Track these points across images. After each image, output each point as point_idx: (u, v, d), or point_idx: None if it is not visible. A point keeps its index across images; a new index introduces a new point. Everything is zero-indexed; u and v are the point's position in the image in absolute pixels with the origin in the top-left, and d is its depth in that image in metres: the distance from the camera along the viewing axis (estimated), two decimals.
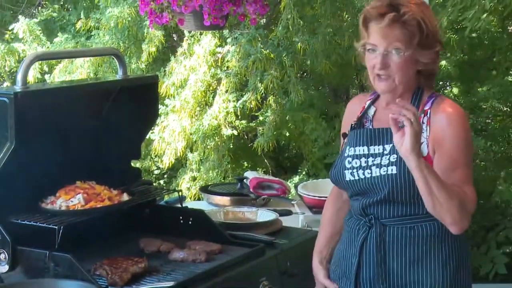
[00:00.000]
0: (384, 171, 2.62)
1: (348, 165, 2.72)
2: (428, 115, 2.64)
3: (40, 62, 7.80)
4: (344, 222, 2.88)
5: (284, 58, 7.25)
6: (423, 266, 2.65)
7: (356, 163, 2.70)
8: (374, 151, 2.68)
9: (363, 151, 2.71)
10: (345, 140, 2.81)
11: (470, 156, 2.64)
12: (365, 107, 2.84)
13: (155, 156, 7.95)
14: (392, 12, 2.57)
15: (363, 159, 2.69)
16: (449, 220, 2.53)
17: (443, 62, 8.39)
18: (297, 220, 3.83)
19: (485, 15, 5.76)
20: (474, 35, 7.28)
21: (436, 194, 2.46)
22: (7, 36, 9.17)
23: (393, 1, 2.61)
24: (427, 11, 2.65)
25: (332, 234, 2.97)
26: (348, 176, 2.71)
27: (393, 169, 2.60)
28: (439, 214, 2.52)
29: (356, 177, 2.69)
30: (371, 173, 2.66)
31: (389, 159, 2.63)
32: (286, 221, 3.67)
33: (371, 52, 2.63)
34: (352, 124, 2.81)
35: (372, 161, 2.67)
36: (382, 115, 2.74)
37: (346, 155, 2.75)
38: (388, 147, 2.65)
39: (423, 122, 2.61)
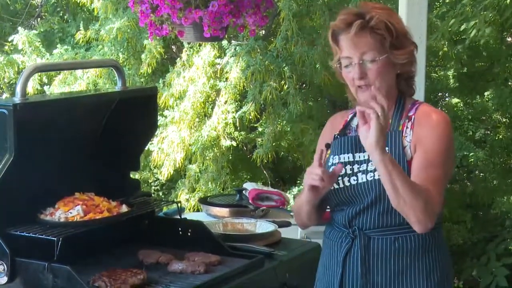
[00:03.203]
0: (371, 177, 2.64)
1: None
2: (412, 121, 2.68)
3: (39, 73, 7.80)
4: (324, 236, 2.88)
5: (284, 69, 7.26)
6: (407, 278, 2.66)
7: (341, 171, 2.68)
8: (359, 158, 2.70)
9: (348, 158, 2.72)
10: (328, 150, 2.78)
11: (446, 161, 2.63)
12: (348, 120, 2.86)
13: (154, 167, 7.95)
14: (359, 20, 2.61)
15: (348, 167, 2.70)
16: (413, 218, 2.53)
17: (442, 73, 8.41)
18: (296, 231, 3.83)
19: (485, 25, 5.78)
20: (474, 44, 7.30)
21: (400, 191, 2.47)
22: (6, 47, 9.19)
23: (358, 11, 2.66)
24: (392, 13, 2.70)
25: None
26: (333, 185, 2.70)
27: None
28: (403, 211, 2.53)
29: (341, 185, 2.69)
30: (357, 179, 2.67)
31: None
32: (285, 233, 3.67)
33: (347, 67, 2.67)
34: (335, 135, 2.82)
35: (358, 168, 2.68)
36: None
37: (330, 164, 2.76)
38: None
39: (407, 127, 2.66)
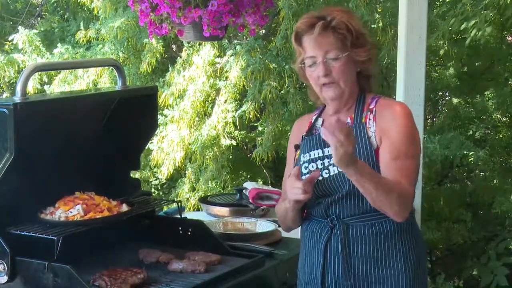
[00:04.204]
0: None
1: (305, 171, 2.81)
2: (374, 113, 2.80)
3: (39, 72, 7.81)
4: (302, 230, 2.95)
5: (284, 68, 7.26)
6: (386, 263, 2.75)
7: (313, 167, 2.80)
8: (329, 152, 2.77)
9: (318, 154, 2.82)
10: (298, 151, 2.91)
11: (413, 150, 2.76)
12: (312, 121, 2.96)
13: (154, 167, 7.95)
14: (321, 21, 2.74)
15: (319, 162, 2.80)
16: (391, 212, 2.68)
17: (442, 72, 8.41)
18: (297, 230, 3.82)
19: (485, 25, 5.79)
20: (475, 43, 7.30)
21: (374, 194, 2.60)
22: (6, 47, 9.19)
23: (319, 14, 2.79)
24: (351, 15, 2.85)
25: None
26: None
27: None
28: (381, 208, 2.67)
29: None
30: (329, 172, 2.76)
31: None
32: (285, 232, 3.66)
33: (311, 66, 2.79)
34: (302, 136, 2.92)
35: (328, 161, 2.78)
36: (331, 122, 2.83)
37: (301, 162, 2.85)
38: None
39: (369, 119, 2.79)
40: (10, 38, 8.80)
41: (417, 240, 2.84)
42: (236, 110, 7.47)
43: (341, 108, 2.84)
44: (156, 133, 7.01)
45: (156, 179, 8.71)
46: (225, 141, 7.54)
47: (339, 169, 2.71)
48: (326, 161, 2.78)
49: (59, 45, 8.46)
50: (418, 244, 2.83)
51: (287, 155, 3.02)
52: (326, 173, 2.76)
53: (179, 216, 3.46)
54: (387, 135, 2.73)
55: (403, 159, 2.70)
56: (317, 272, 2.81)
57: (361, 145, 2.74)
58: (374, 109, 2.80)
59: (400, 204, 2.65)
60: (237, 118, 7.49)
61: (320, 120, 2.94)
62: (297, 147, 2.91)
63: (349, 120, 2.82)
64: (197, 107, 7.52)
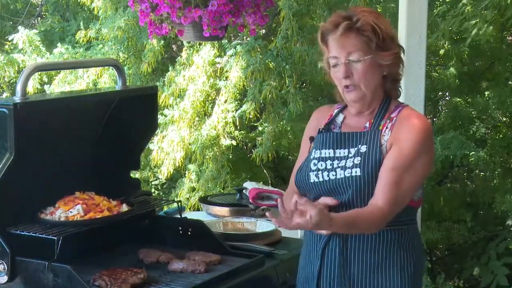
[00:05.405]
0: (348, 173, 2.71)
1: (313, 167, 2.79)
2: (393, 122, 2.76)
3: (39, 72, 7.80)
4: None
5: (284, 68, 7.26)
6: (383, 271, 2.74)
7: (321, 166, 2.78)
8: (340, 154, 2.77)
9: (329, 154, 2.80)
10: (312, 144, 2.89)
11: (416, 167, 2.69)
12: (333, 114, 2.93)
13: (154, 167, 7.95)
14: (346, 21, 2.70)
15: (328, 162, 2.78)
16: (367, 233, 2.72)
17: (442, 72, 8.41)
18: (296, 230, 3.82)
19: (486, 25, 5.79)
20: (475, 43, 7.30)
21: (354, 232, 2.69)
22: (6, 46, 9.19)
23: (347, 14, 2.75)
24: (379, 17, 2.78)
25: None
26: (313, 178, 2.77)
27: (357, 171, 2.69)
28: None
29: (321, 179, 2.76)
30: (335, 175, 2.73)
31: (353, 161, 2.72)
32: (285, 232, 3.66)
33: (335, 66, 2.76)
34: (319, 129, 2.89)
35: (337, 163, 2.75)
36: (351, 122, 2.86)
37: (312, 157, 2.83)
38: (353, 150, 2.75)
39: (386, 127, 2.74)
40: (10, 38, 8.81)
41: (417, 251, 2.81)
42: (236, 110, 7.47)
43: (363, 110, 2.80)
44: (156, 133, 7.01)
45: (156, 179, 8.71)
46: (225, 141, 7.54)
47: (345, 173, 2.70)
48: (335, 162, 2.75)
49: (59, 45, 8.46)
50: (417, 255, 2.81)
51: (302, 144, 2.98)
52: (333, 175, 2.73)
53: (179, 216, 3.46)
54: (397, 144, 2.68)
55: (401, 172, 2.65)
56: (314, 271, 2.81)
57: (372, 151, 2.71)
58: (394, 118, 2.76)
59: (378, 228, 2.68)
60: (237, 118, 7.49)
61: (341, 117, 2.90)
62: (312, 139, 2.88)
63: (367, 125, 2.79)
64: (197, 107, 7.52)
